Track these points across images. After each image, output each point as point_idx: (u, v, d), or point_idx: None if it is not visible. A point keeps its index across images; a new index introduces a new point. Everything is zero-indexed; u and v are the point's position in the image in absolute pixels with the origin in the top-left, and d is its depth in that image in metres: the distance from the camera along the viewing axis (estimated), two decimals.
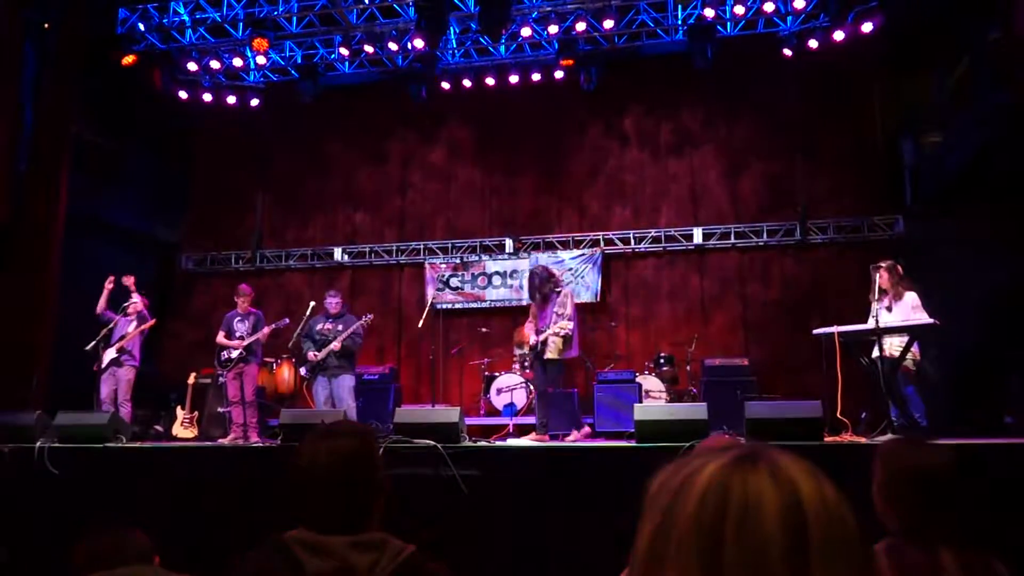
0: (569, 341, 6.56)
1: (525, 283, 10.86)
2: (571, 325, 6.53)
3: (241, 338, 7.81)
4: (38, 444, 5.65)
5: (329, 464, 1.73)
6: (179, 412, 8.54)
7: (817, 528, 0.67)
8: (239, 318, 7.95)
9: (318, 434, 1.81)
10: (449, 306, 11.05)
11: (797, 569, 0.66)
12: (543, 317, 6.70)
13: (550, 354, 6.55)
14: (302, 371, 7.70)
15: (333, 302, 7.90)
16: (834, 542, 0.67)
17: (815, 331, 6.19)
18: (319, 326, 7.81)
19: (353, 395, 7.70)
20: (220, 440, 7.49)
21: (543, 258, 10.88)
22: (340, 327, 7.73)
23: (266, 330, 7.91)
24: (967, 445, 4.47)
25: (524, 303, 10.94)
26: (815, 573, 0.66)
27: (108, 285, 8.05)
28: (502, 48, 10.71)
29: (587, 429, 7.06)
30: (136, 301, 8.06)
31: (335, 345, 7.56)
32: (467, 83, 11.02)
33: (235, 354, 7.75)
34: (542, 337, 6.58)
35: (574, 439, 6.49)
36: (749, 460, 0.72)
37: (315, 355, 7.60)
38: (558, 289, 6.78)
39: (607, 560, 2.20)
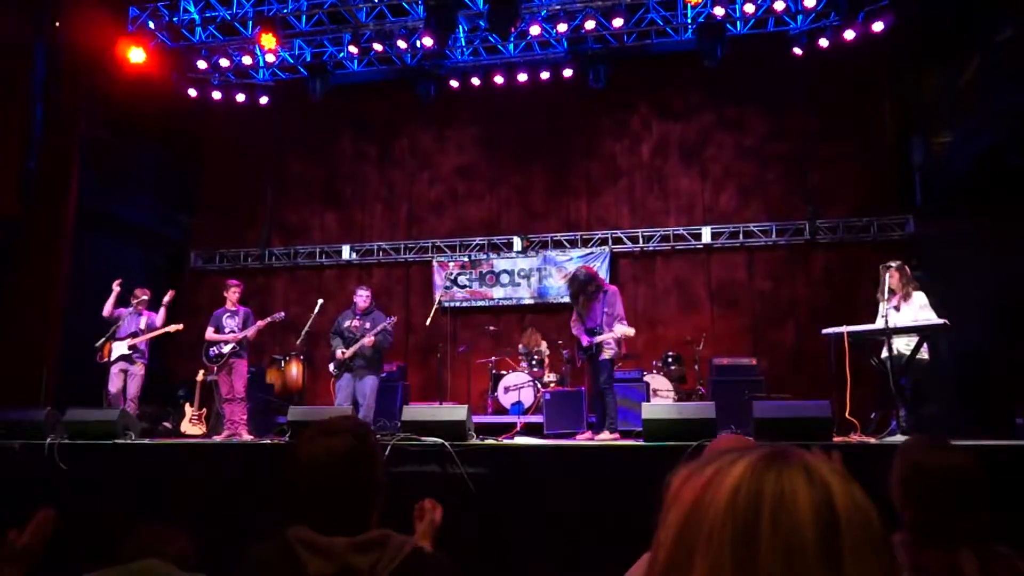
0: (622, 342, 6.59)
1: (533, 281, 10.97)
2: (631, 329, 6.51)
3: (232, 333, 7.74)
4: (48, 440, 5.68)
5: (329, 465, 1.69)
6: (188, 409, 8.55)
7: (848, 526, 0.69)
8: (228, 314, 7.87)
9: (315, 433, 1.75)
10: (457, 304, 11.06)
11: (831, 564, 0.68)
12: (591, 317, 6.67)
13: (606, 354, 6.55)
14: (331, 367, 7.55)
15: (363, 298, 7.62)
16: (863, 541, 0.69)
17: (824, 331, 6.16)
18: (347, 323, 7.55)
19: (375, 396, 7.45)
20: (215, 437, 7.43)
21: (551, 256, 10.91)
22: (368, 324, 7.48)
23: (261, 324, 7.84)
24: (980, 446, 4.44)
25: (532, 302, 11.00)
26: (847, 569, 0.68)
27: (116, 288, 7.96)
28: (511, 46, 10.70)
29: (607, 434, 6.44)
30: (161, 312, 8.08)
31: (367, 341, 7.32)
32: (476, 81, 11.02)
33: (226, 349, 7.67)
34: (598, 340, 6.53)
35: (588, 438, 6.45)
36: (782, 458, 0.74)
37: (343, 352, 7.37)
38: (605, 289, 6.76)
39: (614, 557, 2.20)
